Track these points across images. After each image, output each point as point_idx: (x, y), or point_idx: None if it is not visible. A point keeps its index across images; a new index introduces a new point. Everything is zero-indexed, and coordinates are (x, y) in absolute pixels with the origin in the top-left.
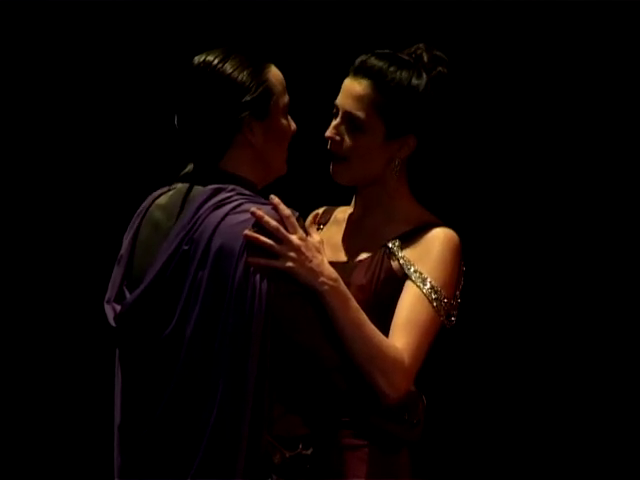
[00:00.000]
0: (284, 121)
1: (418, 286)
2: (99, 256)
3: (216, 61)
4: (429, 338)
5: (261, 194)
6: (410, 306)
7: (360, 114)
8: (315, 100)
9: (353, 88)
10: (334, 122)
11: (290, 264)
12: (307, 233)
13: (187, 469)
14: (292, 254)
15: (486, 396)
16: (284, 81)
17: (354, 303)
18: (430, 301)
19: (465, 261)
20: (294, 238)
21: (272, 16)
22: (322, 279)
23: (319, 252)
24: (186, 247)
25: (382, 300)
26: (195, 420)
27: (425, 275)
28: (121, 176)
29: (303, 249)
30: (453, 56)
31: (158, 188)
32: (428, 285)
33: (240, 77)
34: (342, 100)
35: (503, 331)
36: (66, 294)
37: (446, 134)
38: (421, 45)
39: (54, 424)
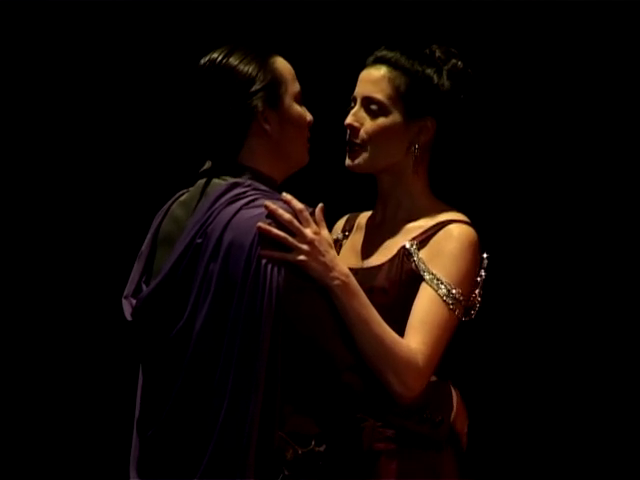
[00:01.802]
0: (298, 108)
1: (433, 288)
2: (119, 256)
3: (221, 57)
4: (444, 338)
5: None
6: (425, 307)
7: (379, 96)
8: (330, 101)
9: (370, 74)
10: (352, 110)
11: (303, 257)
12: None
13: (197, 467)
14: (305, 247)
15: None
16: (292, 70)
17: (365, 300)
18: (445, 302)
19: (490, 256)
20: (308, 231)
21: (278, 17)
22: (334, 274)
23: (332, 247)
24: (199, 241)
25: (406, 301)
26: (204, 416)
27: (439, 276)
28: (141, 179)
29: (316, 243)
30: (467, 51)
31: (178, 189)
32: (443, 287)
33: (247, 68)
34: (360, 88)
35: (527, 326)
36: (86, 292)
37: (465, 117)
38: (434, 45)
39: (68, 423)
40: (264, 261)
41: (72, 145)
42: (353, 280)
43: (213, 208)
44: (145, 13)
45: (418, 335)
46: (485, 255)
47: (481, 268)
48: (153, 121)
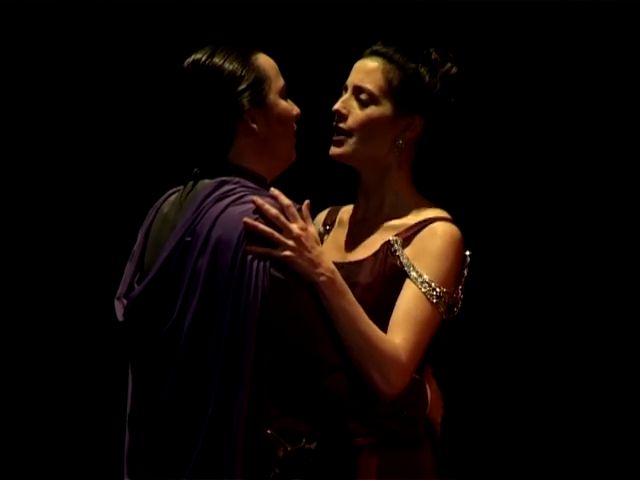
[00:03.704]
0: (284, 104)
1: (417, 285)
2: (110, 256)
3: (204, 57)
4: (428, 335)
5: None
6: (408, 304)
7: (371, 86)
8: (316, 98)
9: (365, 64)
10: (343, 98)
11: (289, 253)
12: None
13: (186, 465)
14: (291, 243)
15: (498, 393)
16: (276, 65)
17: (351, 296)
18: (429, 299)
19: (473, 253)
20: (294, 227)
21: (271, 18)
22: (320, 270)
23: (318, 244)
24: (189, 239)
25: (389, 297)
26: (193, 414)
27: (423, 274)
28: (132, 180)
29: (303, 239)
30: (458, 52)
31: (169, 189)
32: (427, 284)
33: (231, 67)
34: (353, 77)
35: (512, 324)
36: (79, 293)
37: (454, 119)
38: (431, 48)
39: (63, 423)
40: (250, 257)
41: (62, 145)
42: (339, 277)
43: (202, 206)
44: (134, 14)
45: (401, 332)
46: (468, 252)
47: (464, 265)
48: (142, 123)
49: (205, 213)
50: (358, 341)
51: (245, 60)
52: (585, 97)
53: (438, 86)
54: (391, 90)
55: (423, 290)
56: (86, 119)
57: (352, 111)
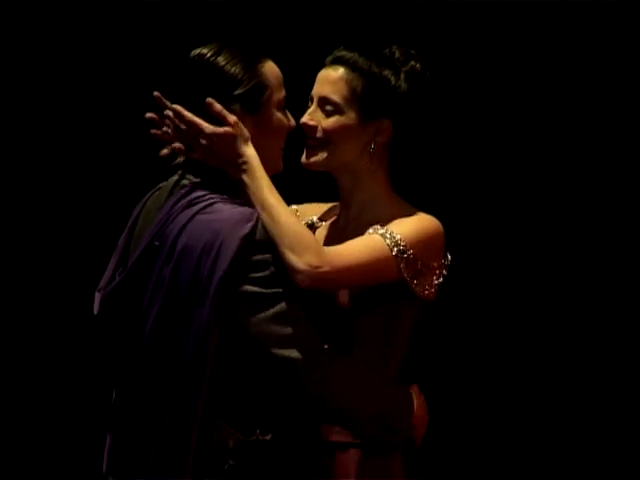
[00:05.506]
0: (279, 116)
1: (377, 234)
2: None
3: (210, 54)
4: (368, 266)
5: None
6: (358, 239)
7: (335, 97)
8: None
9: (328, 75)
10: (309, 110)
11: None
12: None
13: (144, 463)
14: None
15: (485, 396)
16: (281, 76)
17: (268, 182)
18: (388, 245)
19: (452, 254)
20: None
21: (270, 15)
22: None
23: (246, 142)
24: (157, 243)
25: (374, 301)
26: (153, 414)
27: (392, 230)
28: (122, 171)
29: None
30: (439, 51)
31: (158, 181)
32: (388, 236)
33: (232, 70)
34: (317, 88)
35: (492, 326)
36: (65, 289)
37: (422, 119)
38: (393, 46)
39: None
40: (214, 267)
41: (52, 139)
42: (256, 161)
43: (172, 211)
44: (130, 6)
45: (337, 248)
46: (449, 257)
47: (444, 262)
48: (131, 115)
49: (174, 219)
50: (277, 224)
51: (249, 65)
52: (567, 96)
53: (403, 87)
54: (356, 98)
55: (379, 232)
56: (72, 111)
57: (320, 122)
